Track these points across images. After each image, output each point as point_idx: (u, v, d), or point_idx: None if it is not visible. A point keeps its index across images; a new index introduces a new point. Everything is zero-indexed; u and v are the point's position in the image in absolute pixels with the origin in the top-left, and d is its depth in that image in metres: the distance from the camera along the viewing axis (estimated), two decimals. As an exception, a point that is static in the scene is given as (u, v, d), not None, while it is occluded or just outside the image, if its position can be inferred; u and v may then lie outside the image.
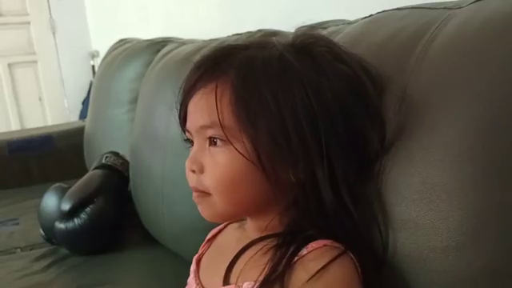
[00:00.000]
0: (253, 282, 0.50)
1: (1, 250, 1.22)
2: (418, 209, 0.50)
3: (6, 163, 1.71)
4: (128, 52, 1.55)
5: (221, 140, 0.51)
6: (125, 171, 1.27)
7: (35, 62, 2.89)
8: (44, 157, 1.76)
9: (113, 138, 1.49)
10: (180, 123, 0.56)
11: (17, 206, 1.49)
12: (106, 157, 1.29)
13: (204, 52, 0.55)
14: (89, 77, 2.94)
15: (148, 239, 1.16)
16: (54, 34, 2.90)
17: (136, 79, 1.42)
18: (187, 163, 0.54)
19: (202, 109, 0.52)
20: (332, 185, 0.51)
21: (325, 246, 0.50)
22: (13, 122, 2.84)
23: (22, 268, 1.08)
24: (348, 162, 0.51)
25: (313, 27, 0.82)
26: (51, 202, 1.17)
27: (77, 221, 1.10)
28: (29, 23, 2.85)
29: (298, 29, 0.85)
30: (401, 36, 0.57)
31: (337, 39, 0.69)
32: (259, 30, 0.98)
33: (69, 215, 1.10)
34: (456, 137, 0.47)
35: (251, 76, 0.50)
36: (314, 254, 0.49)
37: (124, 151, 1.33)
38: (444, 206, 0.48)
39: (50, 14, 2.89)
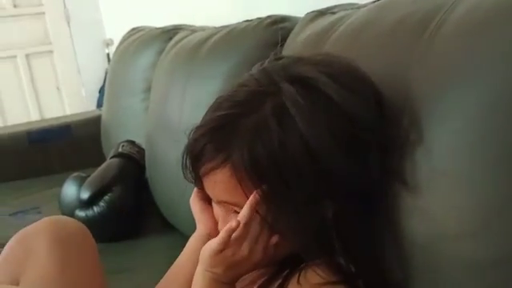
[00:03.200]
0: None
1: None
2: (428, 197, 0.50)
3: (27, 153, 1.75)
4: (141, 41, 1.56)
5: None
6: (141, 159, 1.29)
7: (51, 51, 2.92)
8: (63, 146, 1.79)
9: (128, 126, 1.51)
10: (190, 176, 0.58)
11: (38, 195, 1.53)
12: (123, 145, 1.31)
13: (206, 121, 0.56)
14: (104, 65, 2.96)
15: (166, 226, 1.18)
16: (68, 23, 2.92)
17: (149, 68, 1.42)
18: (220, 227, 0.58)
19: (218, 187, 0.55)
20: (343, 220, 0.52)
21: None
22: (32, 112, 2.89)
23: (46, 255, 1.12)
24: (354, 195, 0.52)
25: (322, 12, 0.81)
26: (71, 191, 1.20)
27: (96, 209, 1.13)
28: (43, 13, 2.88)
29: (308, 14, 0.85)
30: (409, 21, 0.57)
31: (346, 24, 0.69)
32: (269, 16, 0.98)
33: (88, 203, 1.13)
34: (467, 124, 0.47)
35: (254, 156, 0.50)
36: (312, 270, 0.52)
37: (140, 140, 1.35)
38: (454, 194, 0.48)
39: (64, 4, 2.90)
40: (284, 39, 0.88)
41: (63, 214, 1.22)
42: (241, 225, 0.51)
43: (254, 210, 0.51)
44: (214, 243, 0.53)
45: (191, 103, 1.05)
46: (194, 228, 0.68)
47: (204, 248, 0.55)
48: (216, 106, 0.56)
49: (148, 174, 1.27)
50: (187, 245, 0.67)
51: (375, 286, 0.53)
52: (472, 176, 0.46)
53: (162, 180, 1.19)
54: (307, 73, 0.52)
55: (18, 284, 0.68)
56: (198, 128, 0.55)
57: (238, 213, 0.53)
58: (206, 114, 0.57)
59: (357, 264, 0.52)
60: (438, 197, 0.49)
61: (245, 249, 0.52)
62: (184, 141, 1.11)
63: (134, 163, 1.27)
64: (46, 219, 0.75)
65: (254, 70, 0.58)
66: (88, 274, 0.70)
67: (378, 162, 0.52)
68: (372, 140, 0.52)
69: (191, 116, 1.05)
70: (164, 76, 1.24)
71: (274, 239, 0.53)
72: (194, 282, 0.56)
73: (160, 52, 1.37)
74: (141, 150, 1.31)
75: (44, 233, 0.71)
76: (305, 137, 0.49)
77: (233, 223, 0.52)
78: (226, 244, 0.52)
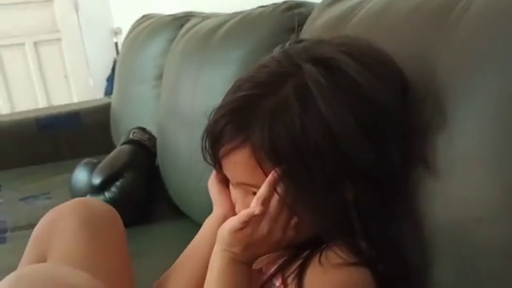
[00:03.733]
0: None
1: (37, 222, 1.26)
2: (452, 181, 0.49)
3: (36, 140, 1.75)
4: (151, 28, 1.55)
5: None
6: (152, 146, 1.29)
7: (59, 39, 2.92)
8: (72, 133, 1.79)
9: (139, 114, 1.51)
10: (209, 159, 0.57)
11: (48, 181, 1.54)
12: (134, 132, 1.31)
13: (226, 102, 0.55)
14: (112, 54, 2.96)
15: (177, 213, 1.18)
16: (76, 11, 2.92)
17: (160, 55, 1.42)
18: (238, 209, 0.57)
19: (237, 169, 0.54)
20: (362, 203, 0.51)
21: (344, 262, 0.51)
22: (40, 100, 2.90)
23: (57, 240, 1.12)
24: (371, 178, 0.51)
25: (340, -3, 0.80)
26: (82, 176, 1.20)
27: (107, 194, 1.13)
28: (52, 1, 2.87)
29: (325, 0, 0.84)
30: (434, 3, 0.56)
31: (367, 7, 0.68)
32: (284, 2, 0.97)
33: (99, 189, 1.13)
34: (491, 108, 0.46)
35: (275, 136, 0.50)
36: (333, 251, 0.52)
37: (150, 127, 1.35)
38: (478, 178, 0.47)
39: (73, -8, 2.90)
40: (300, 25, 0.87)
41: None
42: (259, 201, 0.51)
43: (273, 187, 0.51)
44: (233, 221, 0.53)
45: (204, 90, 1.05)
46: (205, 215, 0.68)
47: (222, 226, 0.55)
48: (236, 87, 0.56)
49: (159, 161, 1.27)
50: (203, 227, 0.67)
51: (395, 270, 0.53)
52: (496, 161, 0.46)
53: (173, 167, 1.19)
54: (329, 54, 0.52)
55: (45, 261, 0.69)
56: (218, 109, 0.55)
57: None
58: (226, 95, 0.56)
59: (377, 247, 0.52)
60: (462, 181, 0.48)
61: (264, 227, 0.52)
62: (196, 127, 1.11)
63: (144, 150, 1.27)
64: (76, 200, 0.76)
65: (275, 52, 0.57)
66: (113, 256, 0.71)
67: (400, 148, 0.52)
68: (394, 125, 0.51)
69: (204, 103, 1.04)
70: (176, 63, 1.24)
71: (294, 221, 0.53)
72: (210, 262, 0.56)
73: (171, 39, 1.37)
74: (152, 137, 1.31)
75: (73, 213, 0.72)
76: (326, 119, 0.49)
77: (256, 209, 0.52)
78: (246, 222, 0.52)
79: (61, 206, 0.75)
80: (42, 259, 0.70)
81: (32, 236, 0.74)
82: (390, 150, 0.51)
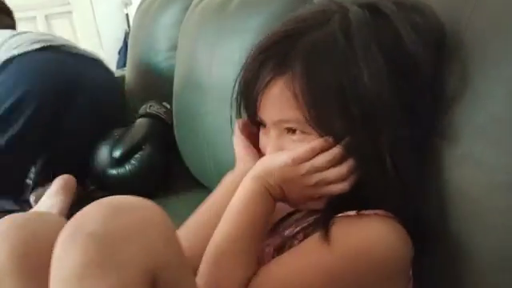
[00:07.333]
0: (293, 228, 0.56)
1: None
2: (481, 145, 0.49)
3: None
4: (164, -2, 1.53)
5: (300, 131, 0.54)
6: (168, 119, 1.29)
7: (70, 12, 2.90)
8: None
9: (153, 86, 1.50)
10: (242, 109, 0.58)
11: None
12: (150, 105, 1.32)
13: (266, 38, 0.55)
14: (123, 26, 2.93)
15: (195, 184, 1.19)
16: (86, -18, 2.89)
17: (174, 26, 1.40)
18: (271, 151, 0.56)
19: (274, 104, 0.54)
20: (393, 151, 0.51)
21: (376, 214, 0.52)
22: (54, 75, 2.90)
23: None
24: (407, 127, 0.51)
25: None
26: (102, 149, 1.21)
27: (128, 167, 1.14)
28: (61, -27, 2.85)
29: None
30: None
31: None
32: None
33: (120, 162, 1.14)
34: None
35: (316, 68, 0.51)
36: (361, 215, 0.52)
37: (165, 99, 1.35)
38: (510, 142, 0.46)
39: (82, -37, 2.86)
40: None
41: (96, 172, 1.23)
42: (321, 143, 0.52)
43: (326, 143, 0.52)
44: (299, 151, 0.53)
45: (221, 59, 1.03)
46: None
47: (264, 158, 0.55)
48: (279, 25, 0.56)
49: (176, 133, 1.27)
50: (222, 182, 0.64)
51: (415, 226, 0.53)
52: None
53: (190, 139, 1.19)
54: (377, 1, 0.53)
55: None
56: (259, 43, 0.55)
57: (293, 131, 0.54)
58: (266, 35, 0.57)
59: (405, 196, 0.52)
60: (492, 144, 0.48)
61: (313, 178, 0.53)
62: (214, 98, 1.09)
63: (162, 123, 1.28)
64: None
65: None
66: None
67: (428, 106, 0.52)
68: (424, 81, 0.52)
69: (221, 74, 1.03)
70: (191, 33, 1.22)
71: (348, 163, 0.52)
72: (237, 193, 0.55)
73: (185, 9, 1.34)
74: (168, 110, 1.31)
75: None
76: (365, 59, 0.50)
77: (322, 141, 0.52)
78: (307, 157, 0.52)
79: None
80: None
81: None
82: (418, 106, 0.51)
